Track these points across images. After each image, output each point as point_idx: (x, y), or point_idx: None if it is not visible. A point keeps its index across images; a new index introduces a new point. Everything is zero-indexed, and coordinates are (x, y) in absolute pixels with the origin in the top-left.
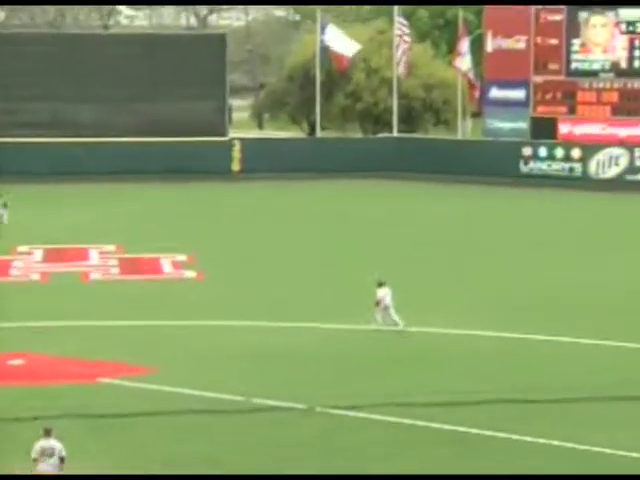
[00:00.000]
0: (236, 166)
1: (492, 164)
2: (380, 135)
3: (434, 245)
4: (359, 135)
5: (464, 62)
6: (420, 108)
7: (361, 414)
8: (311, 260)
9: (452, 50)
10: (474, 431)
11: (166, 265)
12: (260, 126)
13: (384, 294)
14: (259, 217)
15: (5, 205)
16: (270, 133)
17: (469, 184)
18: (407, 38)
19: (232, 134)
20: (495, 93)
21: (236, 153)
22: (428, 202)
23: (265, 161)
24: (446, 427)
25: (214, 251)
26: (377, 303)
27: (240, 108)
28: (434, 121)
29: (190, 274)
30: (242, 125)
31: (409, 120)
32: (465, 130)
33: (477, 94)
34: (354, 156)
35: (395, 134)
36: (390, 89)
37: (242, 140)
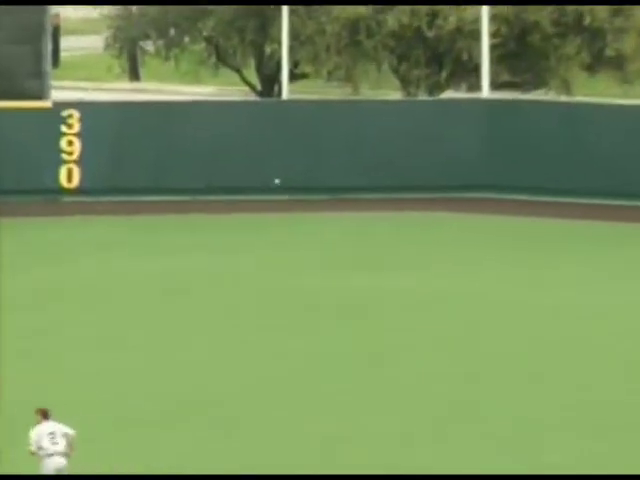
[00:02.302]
0: (69, 179)
1: None
2: (447, 96)
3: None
4: (394, 95)
5: None
6: (542, 31)
7: None
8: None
9: None
10: None
11: None
12: (135, 74)
13: (44, 433)
14: (104, 302)
15: None
16: (161, 89)
17: None
18: None
19: (59, 94)
20: None
21: (67, 144)
22: (560, 266)
23: (145, 165)
24: None
25: None
26: (33, 453)
27: (83, 33)
28: (590, 59)
29: None
30: (88, 70)
31: (517, 59)
32: None
33: None
34: (380, 151)
35: (486, 93)
36: None
37: (85, 108)
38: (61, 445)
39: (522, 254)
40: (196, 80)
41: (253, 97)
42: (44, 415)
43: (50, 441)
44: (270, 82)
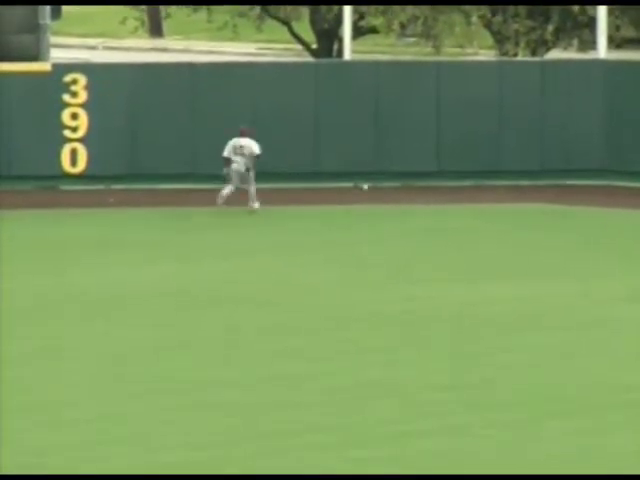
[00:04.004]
0: (73, 162)
1: None
2: (553, 56)
3: None
4: (486, 55)
5: None
6: None
7: None
8: None
9: None
10: None
11: None
12: (156, 29)
13: (232, 144)
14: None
15: None
16: (189, 48)
17: None
18: None
19: (61, 53)
20: None
21: (71, 117)
22: None
23: (169, 144)
24: None
25: None
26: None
27: None
28: None
29: None
30: (97, 24)
31: None
32: None
33: None
34: (467, 125)
35: (603, 53)
36: None
37: (93, 71)
38: (241, 157)
39: None
40: (234, 36)
41: (306, 57)
42: (242, 133)
43: (233, 151)
44: (328, 38)
